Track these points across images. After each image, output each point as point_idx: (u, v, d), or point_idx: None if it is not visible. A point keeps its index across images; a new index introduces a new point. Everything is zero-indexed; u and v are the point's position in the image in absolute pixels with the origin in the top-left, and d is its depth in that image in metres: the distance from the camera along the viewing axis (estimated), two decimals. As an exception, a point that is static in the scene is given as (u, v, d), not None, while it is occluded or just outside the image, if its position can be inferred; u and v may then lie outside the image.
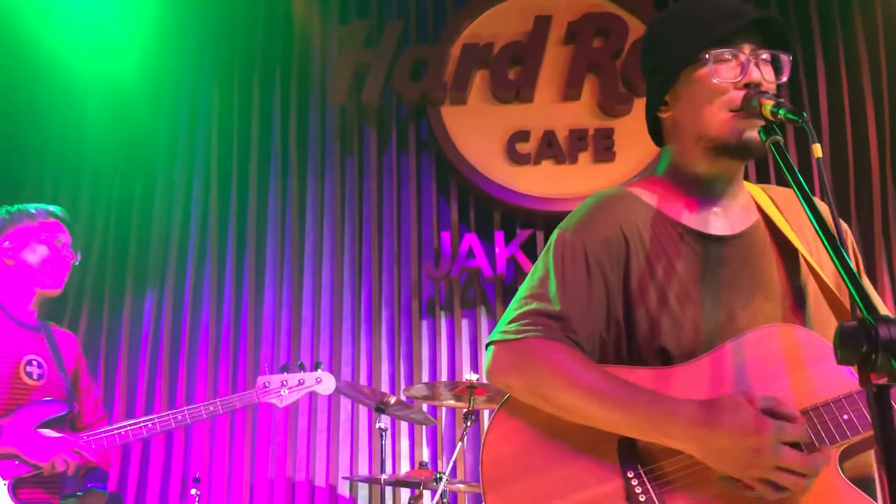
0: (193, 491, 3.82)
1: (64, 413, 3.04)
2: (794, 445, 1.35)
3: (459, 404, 3.99)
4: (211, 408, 3.14)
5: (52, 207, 3.27)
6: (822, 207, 1.54)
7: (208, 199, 5.28)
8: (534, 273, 1.64)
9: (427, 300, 5.10)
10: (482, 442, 1.57)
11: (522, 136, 5.18)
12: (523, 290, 1.63)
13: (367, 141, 5.36)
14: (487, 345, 1.62)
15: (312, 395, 3.74)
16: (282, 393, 3.30)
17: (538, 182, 5.08)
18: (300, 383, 3.34)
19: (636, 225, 1.61)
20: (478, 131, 5.22)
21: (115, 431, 3.03)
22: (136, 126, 5.30)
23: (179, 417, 3.09)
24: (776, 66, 1.57)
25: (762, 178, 4.81)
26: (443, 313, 5.07)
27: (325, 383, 3.40)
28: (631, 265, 1.59)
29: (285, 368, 3.38)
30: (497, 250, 4.99)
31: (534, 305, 1.58)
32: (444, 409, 4.84)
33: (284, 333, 5.05)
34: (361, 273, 5.14)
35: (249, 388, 3.34)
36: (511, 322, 1.59)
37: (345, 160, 5.35)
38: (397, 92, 5.32)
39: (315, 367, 3.44)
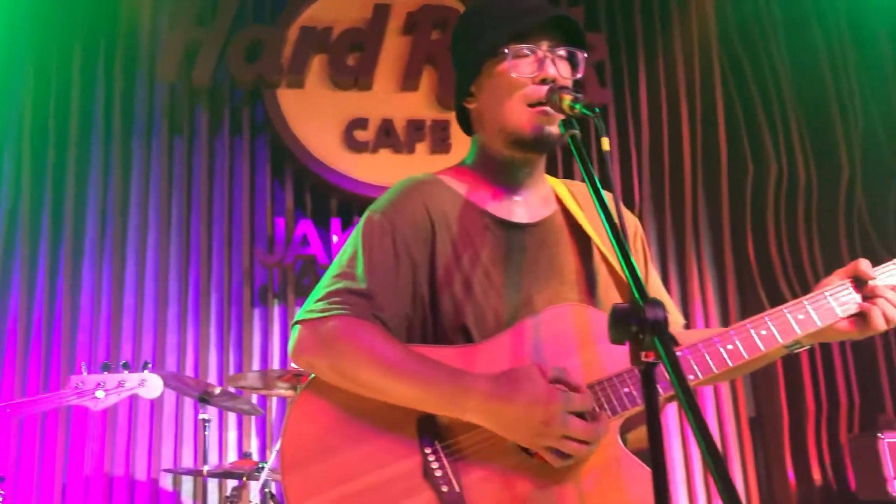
0: (-4, 491, 3.54)
1: None
2: (579, 415, 1.44)
3: (291, 393, 3.93)
4: (8, 410, 2.90)
5: None
6: (609, 198, 1.65)
7: (20, 176, 4.89)
8: (343, 253, 1.65)
9: (259, 287, 4.98)
10: (284, 423, 1.56)
11: (361, 123, 5.17)
12: (332, 269, 1.64)
13: (199, 121, 5.16)
14: (293, 324, 1.61)
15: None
16: (97, 395, 3.07)
17: (376, 170, 5.08)
18: (120, 385, 3.11)
19: (443, 210, 1.66)
20: (315, 117, 5.15)
21: None
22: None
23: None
24: (572, 62, 1.66)
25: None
26: (276, 301, 4.97)
27: (149, 386, 3.12)
28: (437, 248, 1.63)
29: (106, 367, 3.12)
30: (333, 238, 4.95)
31: (341, 284, 1.59)
32: (274, 398, 4.76)
33: (104, 322, 4.77)
34: (189, 258, 4.94)
35: (63, 384, 3.11)
36: (318, 301, 1.59)
37: (174, 140, 5.13)
38: (231, 72, 5.15)
39: (143, 367, 3.21)
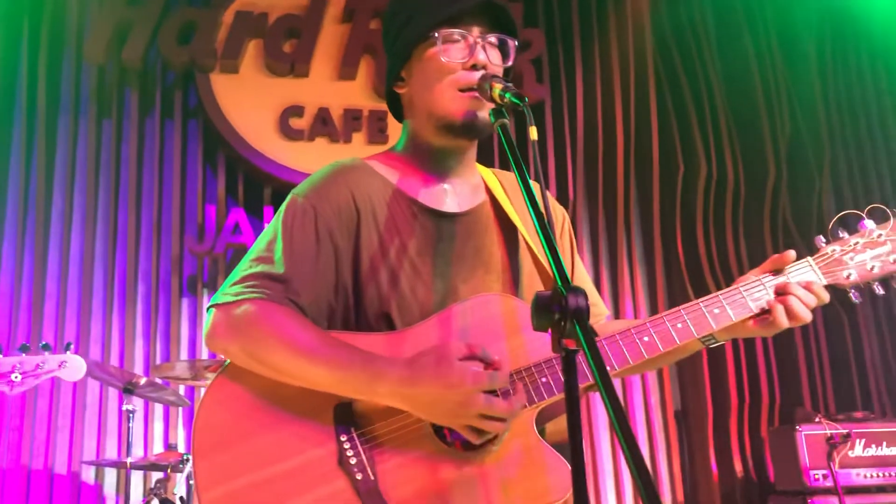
0: None
1: None
2: (494, 392, 1.44)
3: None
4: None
5: None
6: (536, 189, 1.66)
7: (-65, 157, 4.69)
8: (262, 237, 1.62)
9: (188, 276, 4.88)
10: (196, 409, 1.53)
11: (296, 111, 5.10)
12: (250, 253, 1.61)
13: (128, 104, 5.01)
14: (208, 308, 1.58)
15: (56, 377, 3.41)
16: (13, 378, 2.94)
17: (311, 159, 5.01)
18: (38, 367, 2.99)
19: (369, 196, 1.64)
20: (250, 103, 5.06)
21: None
22: None
23: None
24: (503, 50, 1.66)
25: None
26: (205, 290, 4.87)
27: (70, 368, 2.99)
28: (361, 235, 1.61)
29: (24, 349, 3.01)
30: (266, 227, 4.86)
31: (258, 268, 1.56)
32: (202, 389, 4.66)
33: (24, 308, 4.60)
34: (116, 245, 4.80)
35: (-25, 370, 2.98)
36: (234, 284, 1.56)
37: (102, 123, 4.97)
38: (163, 55, 5.02)
39: (65, 348, 3.10)
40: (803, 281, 1.60)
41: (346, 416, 1.49)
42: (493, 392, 1.43)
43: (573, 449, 1.10)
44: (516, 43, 1.65)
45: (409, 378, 1.42)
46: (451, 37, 1.60)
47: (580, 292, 1.13)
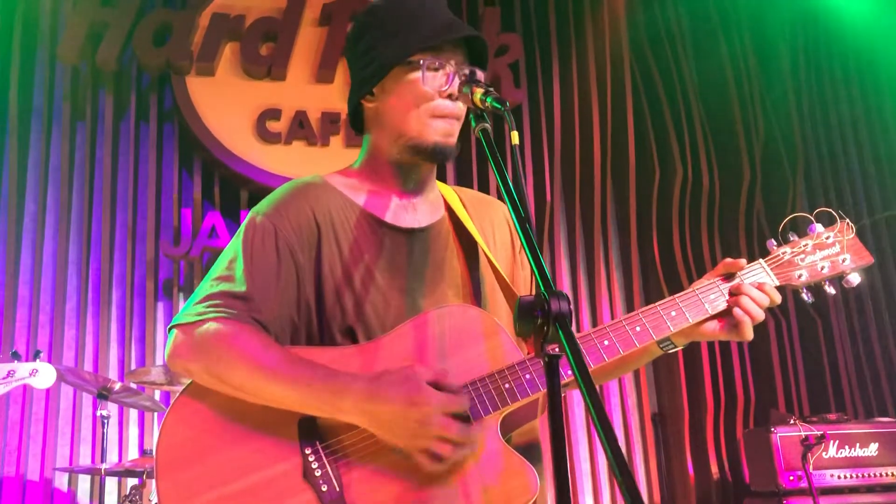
0: None
1: None
2: (457, 417, 1.44)
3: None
4: None
5: None
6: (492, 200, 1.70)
7: None
8: (223, 256, 1.62)
9: (164, 280, 4.83)
10: (160, 428, 1.52)
11: (273, 114, 5.07)
12: (211, 272, 1.60)
13: (103, 107, 4.96)
14: (169, 328, 1.57)
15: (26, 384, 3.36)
16: None
17: (288, 162, 4.99)
18: (9, 375, 2.97)
19: (329, 212, 1.64)
20: (226, 106, 5.02)
21: None
22: None
23: None
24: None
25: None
26: (181, 295, 4.82)
27: (42, 375, 3.02)
28: (322, 252, 1.61)
29: None
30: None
31: (219, 287, 1.56)
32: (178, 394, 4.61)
33: (-4, 313, 4.53)
34: (90, 249, 4.75)
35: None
36: (196, 304, 1.55)
37: (76, 125, 4.92)
38: (138, 57, 4.97)
39: (35, 356, 3.07)
40: (756, 282, 1.66)
41: (311, 430, 1.49)
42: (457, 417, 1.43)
43: (555, 452, 1.10)
44: (484, 73, 1.67)
45: (372, 394, 1.42)
46: (433, 65, 1.62)
47: (563, 297, 1.13)
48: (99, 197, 4.81)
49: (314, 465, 1.46)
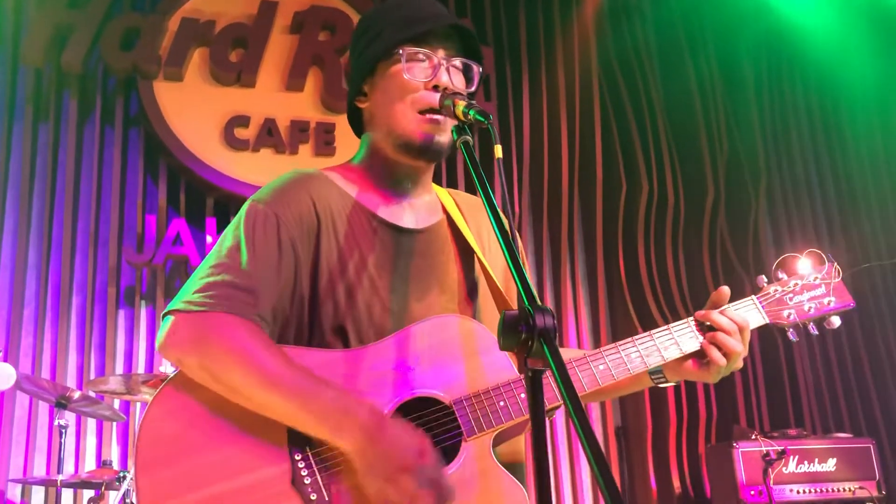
0: None
1: None
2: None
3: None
4: None
5: None
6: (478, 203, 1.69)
7: None
8: (222, 242, 1.56)
9: (126, 287, 4.73)
10: (141, 420, 1.45)
11: (242, 121, 5.02)
12: (211, 258, 1.55)
13: (67, 109, 4.86)
14: (165, 314, 1.50)
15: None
16: None
17: (256, 170, 4.93)
18: None
19: (329, 207, 1.62)
20: (194, 111, 4.96)
21: None
22: None
23: None
24: (467, 75, 1.66)
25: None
26: (143, 303, 4.73)
27: (0, 376, 2.97)
28: (321, 245, 1.58)
29: None
30: (208, 238, 4.76)
31: (222, 277, 1.50)
32: (138, 404, 4.52)
33: (-51, 318, 4.40)
34: (50, 254, 4.64)
35: None
36: (196, 292, 1.49)
37: (38, 128, 4.81)
38: (104, 60, 4.89)
39: None
40: (744, 318, 1.66)
41: (301, 435, 1.44)
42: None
43: (538, 470, 1.10)
44: (481, 69, 1.66)
45: (373, 429, 1.39)
46: (415, 56, 1.60)
47: (547, 311, 1.12)
48: (61, 200, 4.71)
49: (304, 473, 1.42)
